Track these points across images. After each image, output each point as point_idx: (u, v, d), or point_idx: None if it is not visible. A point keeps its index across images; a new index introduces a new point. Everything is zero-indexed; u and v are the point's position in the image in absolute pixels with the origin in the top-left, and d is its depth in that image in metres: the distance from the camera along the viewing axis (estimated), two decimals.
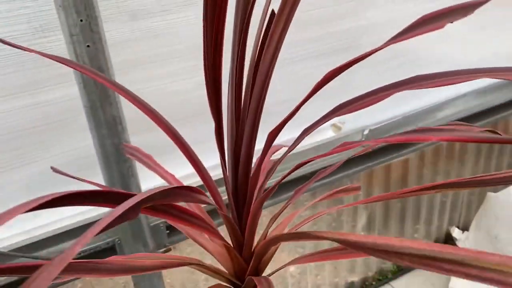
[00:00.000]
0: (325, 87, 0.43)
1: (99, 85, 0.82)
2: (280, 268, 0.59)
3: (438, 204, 1.94)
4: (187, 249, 1.47)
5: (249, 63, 0.47)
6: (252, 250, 0.61)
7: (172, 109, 1.04)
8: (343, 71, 0.36)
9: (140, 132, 0.96)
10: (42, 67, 0.88)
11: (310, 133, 0.51)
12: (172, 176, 0.70)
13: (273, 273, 0.61)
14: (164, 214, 0.47)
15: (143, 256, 0.75)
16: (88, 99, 0.84)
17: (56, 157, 0.96)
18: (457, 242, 1.90)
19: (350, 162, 1.41)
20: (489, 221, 1.67)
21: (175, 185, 0.38)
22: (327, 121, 0.48)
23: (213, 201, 0.51)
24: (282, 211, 0.61)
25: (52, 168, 0.67)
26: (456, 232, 1.94)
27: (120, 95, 0.88)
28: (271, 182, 1.11)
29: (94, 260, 0.46)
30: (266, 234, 0.59)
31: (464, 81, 0.41)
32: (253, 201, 0.56)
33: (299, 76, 1.20)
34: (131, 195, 0.39)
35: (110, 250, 1.06)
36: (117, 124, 0.88)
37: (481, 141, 0.34)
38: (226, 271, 0.63)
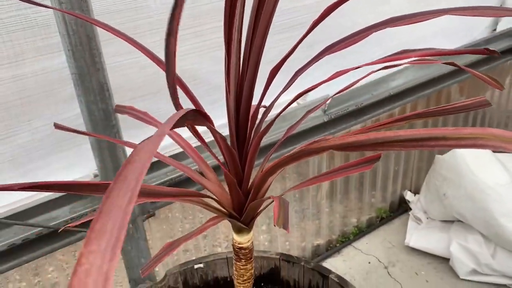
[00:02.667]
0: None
1: (87, 51, 0.86)
2: (282, 195, 0.67)
3: (392, 172, 2.10)
4: (169, 215, 1.52)
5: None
6: (250, 184, 0.68)
7: (152, 81, 1.10)
8: (339, 6, 0.45)
9: (124, 102, 1.01)
10: (26, 39, 0.90)
11: (301, 74, 0.59)
12: (173, 131, 0.76)
13: (270, 204, 0.69)
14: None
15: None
16: (76, 66, 0.87)
17: (42, 128, 0.99)
18: (410, 204, 2.08)
19: (313, 130, 1.52)
20: (437, 182, 1.84)
21: (191, 109, 0.44)
22: (316, 61, 0.57)
23: (216, 131, 0.57)
24: (275, 150, 0.69)
25: (55, 124, 0.71)
26: (408, 195, 2.12)
27: (104, 64, 0.93)
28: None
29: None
30: (263, 168, 0.67)
31: (431, 19, 0.51)
32: (253, 137, 0.63)
33: None
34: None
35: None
36: (104, 90, 0.92)
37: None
38: (226, 207, 0.70)
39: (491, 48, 0.43)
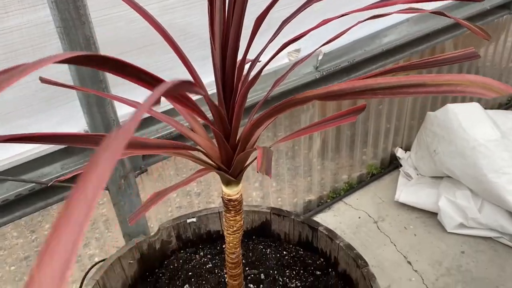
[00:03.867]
0: None
1: (71, 3, 0.84)
2: (271, 146, 0.68)
3: (383, 130, 2.11)
4: (162, 173, 1.54)
5: None
6: (238, 137, 0.69)
7: (141, 35, 1.08)
8: None
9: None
10: None
11: (288, 23, 0.58)
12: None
13: (253, 160, 0.69)
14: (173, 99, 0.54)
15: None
16: (61, 19, 0.85)
17: (29, 83, 0.98)
18: (400, 161, 2.11)
19: (305, 87, 1.51)
20: (428, 138, 1.86)
21: (182, 80, 0.43)
22: (306, 7, 0.56)
23: (206, 92, 0.58)
24: (263, 102, 0.69)
25: (40, 78, 0.70)
26: (399, 152, 2.14)
27: (89, 17, 0.91)
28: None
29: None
30: (250, 121, 0.67)
31: None
32: (239, 90, 0.63)
33: None
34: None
35: None
36: (90, 44, 0.90)
37: None
38: (214, 160, 0.71)
39: None
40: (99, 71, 0.93)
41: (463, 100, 2.22)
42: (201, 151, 0.68)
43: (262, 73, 1.34)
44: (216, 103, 0.64)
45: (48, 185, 0.89)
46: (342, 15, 0.52)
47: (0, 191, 1.01)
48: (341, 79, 1.55)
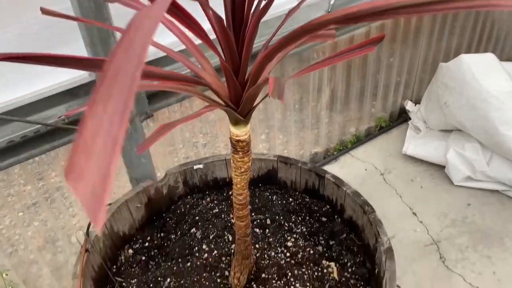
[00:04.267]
0: None
1: None
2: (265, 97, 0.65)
3: (393, 83, 2.07)
4: (166, 119, 1.52)
5: None
6: (248, 74, 0.66)
7: None
8: None
9: None
10: None
11: None
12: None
13: (264, 98, 0.67)
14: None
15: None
16: None
17: (31, 21, 0.94)
18: (410, 114, 2.07)
19: None
20: (439, 90, 1.82)
21: None
22: None
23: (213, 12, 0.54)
24: (273, 36, 0.66)
25: (41, 9, 0.67)
26: (409, 105, 2.10)
27: None
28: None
29: None
30: (260, 56, 0.64)
31: None
32: (250, 21, 0.60)
33: None
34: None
35: None
36: None
37: None
38: (223, 97, 0.69)
39: None
40: (103, 7, 0.90)
41: (478, 51, 2.16)
42: (211, 88, 0.66)
43: (271, 16, 1.28)
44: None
45: (60, 117, 0.88)
46: None
47: (5, 132, 1.00)
48: (352, 26, 1.49)
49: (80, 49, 0.99)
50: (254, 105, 0.72)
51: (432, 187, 1.78)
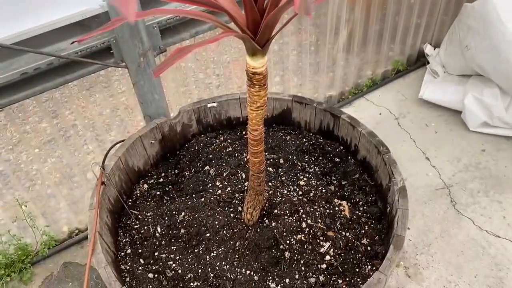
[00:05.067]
0: None
1: None
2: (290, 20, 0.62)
3: (413, 25, 1.98)
4: (182, 64, 1.49)
5: None
6: (266, 2, 0.63)
7: None
8: None
9: None
10: None
11: None
12: None
13: (283, 26, 0.64)
14: None
15: None
16: None
17: None
18: (428, 58, 2.01)
19: None
20: (462, 32, 1.75)
21: None
22: None
23: None
24: None
25: None
26: (428, 49, 2.04)
27: None
28: None
29: None
30: None
31: None
32: None
33: None
34: None
35: (106, 50, 1.08)
36: None
37: None
38: (241, 24, 0.66)
39: None
40: None
41: None
42: (228, 14, 0.63)
43: None
44: None
45: (73, 43, 0.86)
46: None
47: (18, 63, 0.99)
48: None
49: None
50: (272, 34, 0.69)
51: (447, 132, 1.75)
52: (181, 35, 1.20)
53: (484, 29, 1.61)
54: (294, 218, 1.01)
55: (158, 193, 1.14)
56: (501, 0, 1.61)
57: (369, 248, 0.99)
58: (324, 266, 0.96)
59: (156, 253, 1.00)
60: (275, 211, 1.03)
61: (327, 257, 0.97)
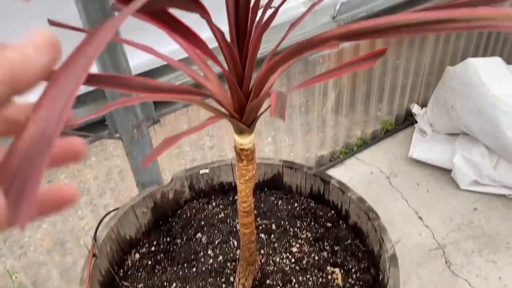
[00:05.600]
0: None
1: None
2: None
3: (400, 85, 2.06)
4: (175, 126, 1.54)
5: None
6: (252, 84, 0.67)
7: None
8: None
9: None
10: None
11: None
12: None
13: (268, 107, 0.68)
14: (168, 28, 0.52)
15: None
16: None
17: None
18: (416, 117, 2.07)
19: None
20: (446, 94, 1.81)
21: None
22: None
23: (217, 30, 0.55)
24: (278, 46, 0.67)
25: (49, 20, 0.68)
26: (415, 108, 2.10)
27: None
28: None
29: (115, 75, 0.51)
30: (264, 67, 0.65)
31: None
32: (253, 32, 0.61)
33: None
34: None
35: (100, 122, 1.11)
36: None
37: None
38: (227, 107, 0.69)
39: None
40: (109, 16, 0.91)
41: (485, 54, 2.15)
42: (214, 99, 0.66)
43: (277, 23, 1.29)
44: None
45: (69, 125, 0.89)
46: None
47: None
48: None
49: None
50: (258, 114, 0.72)
51: (438, 191, 1.77)
52: (175, 105, 1.24)
53: (467, 91, 1.68)
54: None
55: (149, 262, 1.13)
56: (482, 63, 1.69)
57: None
58: None
59: None
60: (268, 281, 1.02)
61: None
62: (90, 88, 1.05)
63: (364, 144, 2.02)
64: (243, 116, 0.69)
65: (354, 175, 1.87)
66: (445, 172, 1.83)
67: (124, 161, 1.64)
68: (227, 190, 1.32)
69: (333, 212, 1.22)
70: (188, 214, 1.24)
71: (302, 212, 1.23)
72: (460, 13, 0.36)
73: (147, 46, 0.70)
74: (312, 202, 1.26)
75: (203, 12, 0.45)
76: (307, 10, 0.60)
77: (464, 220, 1.65)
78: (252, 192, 0.85)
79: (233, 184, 1.31)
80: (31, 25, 0.96)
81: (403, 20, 0.39)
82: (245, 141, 0.75)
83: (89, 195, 1.61)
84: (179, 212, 1.25)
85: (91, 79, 0.49)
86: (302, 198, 1.27)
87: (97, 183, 1.70)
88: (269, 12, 0.60)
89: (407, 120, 2.14)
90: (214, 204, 1.27)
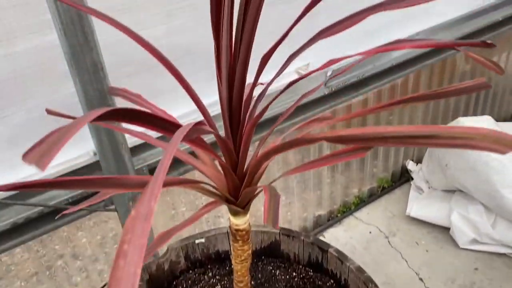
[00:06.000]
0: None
1: (79, 29, 0.84)
2: (273, 182, 0.67)
3: None
4: (171, 193, 1.53)
5: None
6: (246, 168, 0.68)
7: (149, 56, 1.08)
8: None
9: (120, 79, 1.00)
10: (15, 16, 0.88)
11: (294, 58, 0.57)
12: (163, 111, 0.75)
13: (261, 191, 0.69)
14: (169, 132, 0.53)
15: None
16: (69, 45, 0.86)
17: (38, 107, 0.98)
18: (412, 174, 2.08)
19: (314, 103, 1.50)
20: (439, 152, 1.83)
21: (193, 123, 0.43)
22: (310, 45, 0.55)
23: (210, 128, 0.57)
24: (269, 135, 0.68)
25: (46, 110, 0.70)
26: (410, 165, 2.11)
27: (97, 41, 0.91)
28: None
29: (111, 177, 0.52)
30: (258, 153, 0.66)
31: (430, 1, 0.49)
32: (246, 122, 0.62)
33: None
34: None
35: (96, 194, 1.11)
36: (98, 70, 0.90)
37: (451, 45, 0.42)
38: (222, 191, 0.70)
39: (488, 41, 0.41)
40: (107, 96, 0.93)
41: (475, 112, 2.19)
42: (209, 184, 0.67)
43: (271, 92, 1.32)
44: (223, 134, 0.64)
45: (56, 218, 0.89)
46: (349, 56, 0.51)
47: (8, 214, 1.01)
48: (350, 94, 1.54)
49: (85, 128, 1.02)
50: (253, 196, 0.73)
51: (438, 250, 1.75)
52: (171, 173, 1.25)
53: (460, 150, 1.70)
54: None
55: None
56: (473, 123, 1.73)
57: None
58: None
59: None
60: None
61: None
62: (86, 162, 1.06)
63: (362, 202, 2.02)
64: (238, 199, 0.70)
65: (353, 235, 1.85)
66: (444, 230, 1.81)
67: (118, 224, 1.62)
68: (223, 259, 1.30)
69: (332, 281, 1.20)
70: (184, 286, 1.21)
71: (301, 282, 1.21)
72: (443, 130, 0.37)
73: (141, 133, 0.71)
74: (311, 271, 1.23)
75: (209, 127, 0.46)
76: (296, 102, 0.62)
77: (466, 282, 1.62)
78: (248, 271, 0.84)
79: (229, 253, 1.29)
80: (31, 104, 0.99)
81: (389, 133, 0.40)
82: (240, 221, 0.75)
83: (83, 261, 1.57)
84: (174, 283, 1.23)
85: (85, 183, 0.50)
86: (301, 266, 1.25)
87: (92, 248, 1.67)
88: (262, 103, 0.62)
89: (403, 177, 2.15)
90: (210, 274, 1.25)
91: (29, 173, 1.05)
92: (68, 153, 1.08)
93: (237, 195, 0.70)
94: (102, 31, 0.91)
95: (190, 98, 0.61)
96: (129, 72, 1.07)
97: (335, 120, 0.51)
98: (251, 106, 0.61)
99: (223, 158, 0.66)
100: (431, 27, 1.66)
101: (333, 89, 1.46)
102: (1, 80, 0.93)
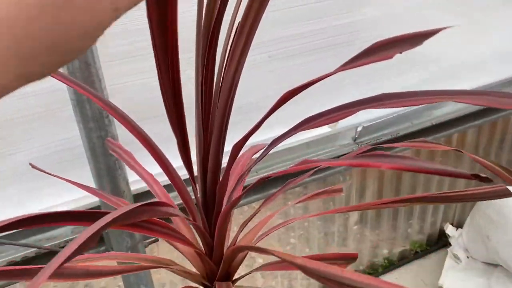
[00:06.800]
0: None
1: (86, 77, 0.82)
2: (247, 274, 0.60)
3: None
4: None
5: (216, 74, 0.47)
6: (222, 255, 0.61)
7: (157, 103, 1.05)
8: (298, 93, 0.36)
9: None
10: None
11: (277, 145, 0.51)
12: (150, 175, 0.70)
13: (241, 277, 0.61)
14: (133, 228, 0.48)
15: (118, 255, 0.76)
16: (75, 92, 0.84)
17: (42, 147, 0.97)
18: (450, 239, 1.91)
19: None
20: (481, 220, 1.67)
21: (138, 204, 0.38)
22: (293, 134, 0.48)
23: (180, 213, 0.51)
24: (250, 219, 0.61)
25: (30, 164, 0.68)
26: (449, 229, 1.94)
27: (105, 90, 0.89)
28: (250, 179, 1.12)
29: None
30: (236, 240, 0.60)
31: (427, 103, 0.41)
32: (222, 209, 0.56)
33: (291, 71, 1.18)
34: (97, 214, 0.40)
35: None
36: (103, 117, 0.88)
37: (432, 172, 0.34)
38: (198, 273, 0.63)
39: (481, 175, 0.33)
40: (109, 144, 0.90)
41: None
42: (184, 272, 0.61)
43: (274, 150, 1.23)
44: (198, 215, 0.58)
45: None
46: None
47: (7, 252, 1.00)
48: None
49: (89, 172, 0.99)
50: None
51: None
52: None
53: (505, 223, 1.53)
54: None
55: None
56: None
57: None
58: None
59: None
60: None
61: None
62: (91, 205, 1.04)
63: (391, 265, 1.87)
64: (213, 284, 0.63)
65: None
66: None
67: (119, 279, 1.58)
68: None
69: None
70: None
71: None
72: None
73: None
74: None
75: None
76: (283, 186, 0.55)
77: None
78: None
79: None
80: (34, 139, 0.98)
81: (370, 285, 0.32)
82: None
83: None
84: None
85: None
86: None
87: None
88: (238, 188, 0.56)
89: (440, 241, 1.97)
90: None
91: (31, 210, 1.03)
92: (74, 193, 1.06)
93: (214, 280, 0.63)
94: (110, 77, 0.90)
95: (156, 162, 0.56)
96: (136, 118, 1.04)
97: (347, 209, 0.43)
98: (227, 192, 0.55)
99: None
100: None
101: (363, 146, 1.37)
102: (8, 119, 0.93)
